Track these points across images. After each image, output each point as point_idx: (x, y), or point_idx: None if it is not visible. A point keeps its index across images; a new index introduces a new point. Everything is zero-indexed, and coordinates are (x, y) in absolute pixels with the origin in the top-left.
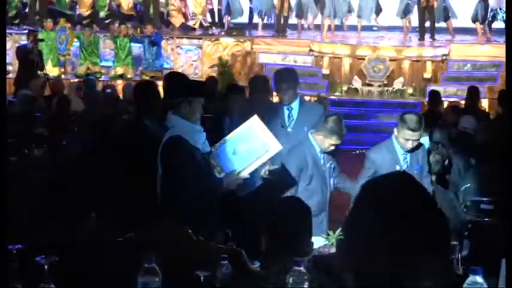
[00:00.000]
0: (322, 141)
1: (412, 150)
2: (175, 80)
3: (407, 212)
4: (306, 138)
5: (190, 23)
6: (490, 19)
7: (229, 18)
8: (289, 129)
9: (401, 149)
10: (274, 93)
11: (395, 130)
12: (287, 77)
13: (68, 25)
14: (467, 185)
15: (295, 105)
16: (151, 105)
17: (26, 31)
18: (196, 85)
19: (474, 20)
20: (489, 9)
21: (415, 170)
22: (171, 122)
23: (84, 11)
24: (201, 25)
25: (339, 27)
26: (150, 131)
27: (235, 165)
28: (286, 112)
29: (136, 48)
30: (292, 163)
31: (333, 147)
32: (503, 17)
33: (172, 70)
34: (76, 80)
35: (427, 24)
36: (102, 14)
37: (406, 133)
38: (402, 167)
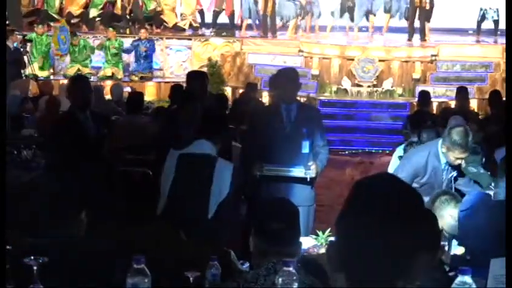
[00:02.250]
0: (447, 154)
1: None
2: None
3: (398, 212)
4: (435, 146)
5: (181, 23)
6: (479, 19)
7: (248, 21)
8: (286, 130)
9: None
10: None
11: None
12: (290, 76)
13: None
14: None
15: (294, 106)
16: (85, 100)
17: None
18: None
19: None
20: (479, 9)
21: None
22: None
23: (75, 9)
24: (190, 25)
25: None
26: (82, 125)
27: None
28: (284, 113)
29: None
30: (410, 165)
31: (459, 161)
32: (493, 16)
33: (160, 70)
34: (66, 80)
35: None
36: (94, 12)
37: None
38: None
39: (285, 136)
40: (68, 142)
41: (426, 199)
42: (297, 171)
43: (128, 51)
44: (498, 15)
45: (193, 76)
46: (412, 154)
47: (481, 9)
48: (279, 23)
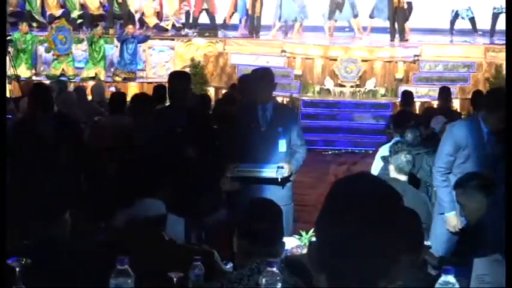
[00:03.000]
0: (487, 118)
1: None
2: None
3: (376, 212)
4: (475, 117)
5: (163, 23)
6: (451, 19)
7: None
8: (262, 130)
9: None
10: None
11: None
12: (265, 76)
13: (70, 26)
14: None
15: (269, 106)
16: (47, 103)
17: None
18: None
19: (371, 16)
20: (451, 11)
21: None
22: None
23: (54, 11)
24: (173, 26)
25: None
26: (42, 127)
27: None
28: (260, 113)
29: (110, 49)
30: (451, 137)
31: (502, 125)
32: (468, 15)
33: (143, 71)
34: (47, 81)
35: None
36: (74, 14)
37: None
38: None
39: (260, 136)
40: (26, 144)
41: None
42: (268, 172)
43: (124, 41)
44: (472, 13)
45: (176, 76)
46: (452, 125)
47: (453, 11)
48: (278, 23)
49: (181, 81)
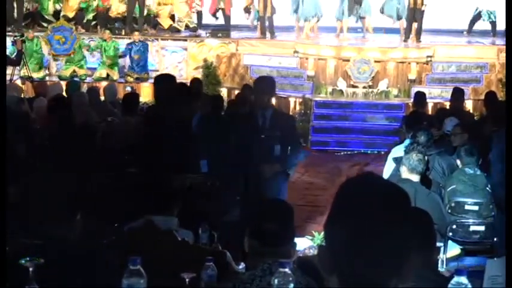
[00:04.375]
0: None
1: None
2: None
3: (384, 212)
4: None
5: (176, 25)
6: (472, 18)
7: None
8: (262, 136)
9: None
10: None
11: None
12: (269, 84)
13: (72, 26)
14: (453, 186)
15: (269, 112)
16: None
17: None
18: None
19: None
20: (474, 9)
21: None
22: None
23: (69, 13)
24: (186, 26)
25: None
26: None
27: None
28: (260, 119)
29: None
30: (497, 146)
31: None
32: (490, 18)
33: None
34: (60, 81)
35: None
36: (89, 16)
37: None
38: None
39: (258, 140)
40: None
41: None
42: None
43: (123, 55)
44: (495, 17)
45: (159, 80)
46: (500, 135)
47: (477, 9)
48: (303, 22)
49: (165, 85)
